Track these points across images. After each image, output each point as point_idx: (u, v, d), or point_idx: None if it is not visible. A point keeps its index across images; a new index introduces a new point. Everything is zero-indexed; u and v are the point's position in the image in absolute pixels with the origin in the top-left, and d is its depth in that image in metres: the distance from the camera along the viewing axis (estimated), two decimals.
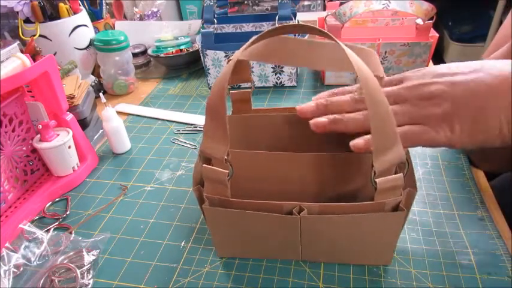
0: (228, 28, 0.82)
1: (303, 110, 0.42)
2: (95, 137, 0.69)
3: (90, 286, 0.41)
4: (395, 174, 0.33)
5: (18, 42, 0.68)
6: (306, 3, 1.21)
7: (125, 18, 1.07)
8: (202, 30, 0.79)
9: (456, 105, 0.35)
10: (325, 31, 0.34)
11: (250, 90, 0.46)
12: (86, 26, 0.80)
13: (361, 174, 0.41)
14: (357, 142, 0.37)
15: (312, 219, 0.36)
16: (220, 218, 0.39)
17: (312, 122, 0.40)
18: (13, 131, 0.51)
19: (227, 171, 0.34)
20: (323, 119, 0.39)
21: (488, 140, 0.35)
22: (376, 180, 0.32)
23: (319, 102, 0.41)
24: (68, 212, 0.53)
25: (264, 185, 0.43)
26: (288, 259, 0.43)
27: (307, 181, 0.42)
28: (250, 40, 0.35)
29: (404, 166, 0.34)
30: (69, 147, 0.56)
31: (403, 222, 0.37)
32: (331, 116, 0.39)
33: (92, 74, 0.88)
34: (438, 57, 2.13)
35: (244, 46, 0.35)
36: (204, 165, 0.35)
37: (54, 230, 0.49)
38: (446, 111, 0.35)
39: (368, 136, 0.37)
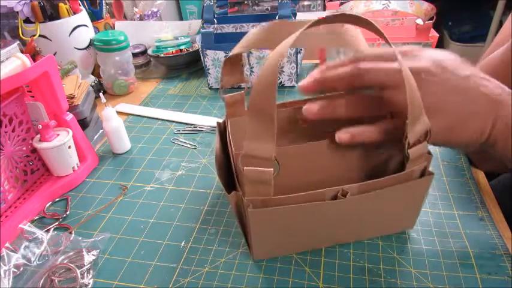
0: (228, 28, 0.82)
1: (303, 87, 0.41)
2: (95, 137, 0.69)
3: (90, 286, 0.41)
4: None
5: (18, 42, 0.68)
6: (306, 3, 1.21)
7: (125, 18, 1.07)
8: (202, 30, 0.79)
9: (446, 102, 0.36)
10: (377, 26, 0.34)
11: (243, 91, 0.46)
12: (86, 26, 0.80)
13: (382, 147, 0.42)
14: (339, 134, 0.38)
15: (357, 199, 0.37)
16: (265, 219, 0.38)
17: (303, 109, 0.40)
18: (13, 131, 0.51)
19: (271, 169, 0.34)
20: (314, 105, 0.40)
21: (460, 141, 0.38)
22: (409, 150, 0.35)
23: (314, 75, 0.41)
24: (68, 212, 0.53)
25: (290, 179, 0.42)
26: (322, 247, 0.44)
27: (331, 167, 0.43)
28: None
29: (427, 134, 0.36)
30: (69, 147, 0.56)
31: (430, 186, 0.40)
32: (323, 102, 0.40)
33: (92, 74, 0.88)
34: None
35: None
36: (246, 167, 0.34)
37: (54, 230, 0.49)
38: (439, 103, 0.36)
39: (351, 129, 0.38)
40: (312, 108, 0.39)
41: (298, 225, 0.40)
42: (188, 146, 0.65)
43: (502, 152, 0.38)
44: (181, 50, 0.92)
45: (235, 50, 0.40)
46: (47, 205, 0.54)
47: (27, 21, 0.75)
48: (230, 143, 0.43)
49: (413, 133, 0.34)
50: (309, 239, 0.42)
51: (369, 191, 0.37)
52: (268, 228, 0.40)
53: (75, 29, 0.77)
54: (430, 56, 0.38)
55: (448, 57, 0.38)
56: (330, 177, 0.42)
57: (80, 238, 0.47)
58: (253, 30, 0.38)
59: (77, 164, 0.58)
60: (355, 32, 0.39)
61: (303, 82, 0.40)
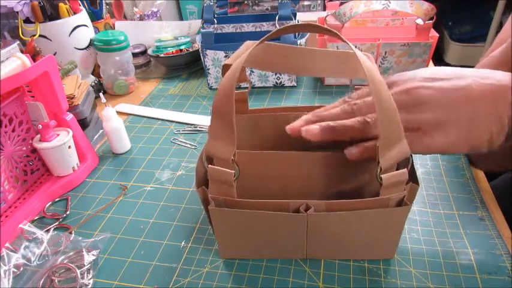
0: (228, 28, 0.82)
1: (293, 129, 0.40)
2: (95, 137, 0.69)
3: (90, 286, 0.41)
4: (397, 170, 0.34)
5: (18, 42, 0.68)
6: (306, 3, 1.21)
7: (125, 18, 1.07)
8: (202, 30, 0.79)
9: (449, 110, 0.35)
10: (335, 31, 0.34)
11: (247, 90, 0.46)
12: (86, 26, 0.80)
13: (366, 172, 0.41)
14: (350, 150, 0.37)
15: (319, 216, 0.36)
16: (226, 219, 0.39)
17: (303, 129, 0.39)
18: (13, 131, 0.51)
19: (233, 171, 0.34)
20: (315, 127, 0.38)
21: (479, 145, 0.35)
22: (382, 176, 0.33)
23: (308, 118, 0.41)
24: (68, 212, 0.53)
25: (269, 184, 0.43)
26: (292, 258, 0.43)
27: (312, 180, 0.43)
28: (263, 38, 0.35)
29: (408, 162, 0.35)
30: (69, 147, 0.56)
31: (407, 216, 0.38)
32: (323, 124, 0.38)
33: (92, 74, 0.88)
34: (438, 57, 2.13)
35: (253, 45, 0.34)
36: (210, 166, 0.35)
37: (54, 230, 0.49)
38: (440, 117, 0.35)
39: (363, 144, 0.37)
40: (312, 130, 0.38)
41: (262, 231, 0.40)
42: (188, 146, 0.65)
43: None
44: (181, 50, 0.92)
45: (230, 61, 0.39)
46: (47, 205, 0.54)
47: (27, 21, 0.75)
48: None
49: (387, 158, 0.33)
50: (276, 247, 0.42)
51: (335, 210, 0.36)
52: (230, 229, 0.40)
53: (75, 29, 0.77)
54: (414, 75, 0.38)
55: (432, 69, 0.37)
56: (311, 191, 0.43)
57: (80, 238, 0.47)
58: (249, 51, 0.36)
59: (77, 164, 0.58)
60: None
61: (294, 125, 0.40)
